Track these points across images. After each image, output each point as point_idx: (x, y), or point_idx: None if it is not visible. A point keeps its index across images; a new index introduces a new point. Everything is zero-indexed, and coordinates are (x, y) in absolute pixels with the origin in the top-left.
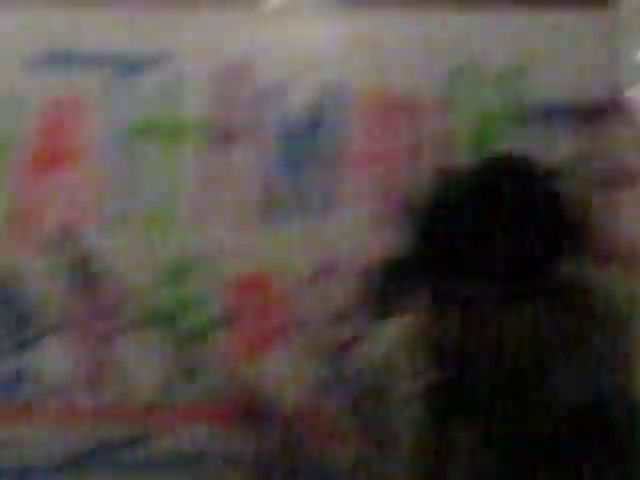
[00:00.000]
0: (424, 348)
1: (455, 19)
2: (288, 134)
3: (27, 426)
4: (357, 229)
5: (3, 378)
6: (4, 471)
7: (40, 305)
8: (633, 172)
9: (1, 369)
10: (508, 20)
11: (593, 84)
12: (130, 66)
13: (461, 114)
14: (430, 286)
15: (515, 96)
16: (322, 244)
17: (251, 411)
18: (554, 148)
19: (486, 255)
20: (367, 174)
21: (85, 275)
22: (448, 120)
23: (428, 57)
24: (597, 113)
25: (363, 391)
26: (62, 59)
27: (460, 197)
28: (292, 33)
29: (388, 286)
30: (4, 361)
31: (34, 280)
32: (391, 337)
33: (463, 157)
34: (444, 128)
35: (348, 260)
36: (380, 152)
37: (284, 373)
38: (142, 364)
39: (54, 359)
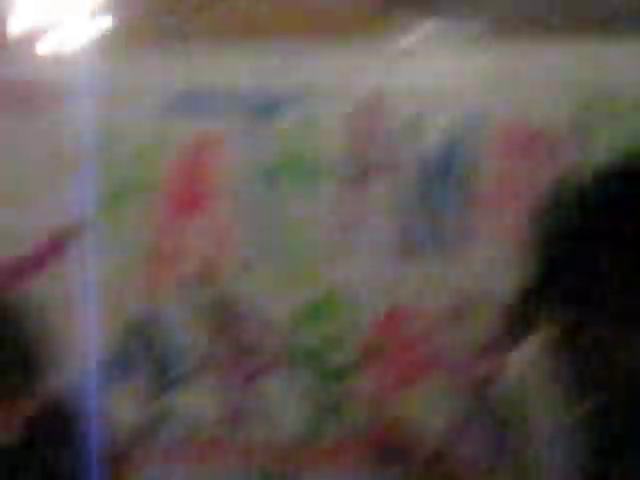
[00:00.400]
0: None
1: (593, 50)
2: (425, 169)
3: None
4: (494, 264)
5: (148, 419)
6: None
7: (183, 347)
8: None
9: (146, 410)
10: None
11: None
12: (267, 107)
13: (601, 145)
14: (561, 313)
15: None
16: (460, 279)
17: (395, 448)
18: None
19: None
20: (506, 208)
21: (226, 315)
22: (587, 152)
23: (565, 88)
24: None
25: (504, 424)
26: (193, 107)
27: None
28: (423, 70)
29: (521, 317)
30: (149, 403)
31: (176, 323)
32: (523, 360)
33: None
34: (584, 161)
35: (486, 295)
36: (517, 187)
37: (428, 408)
38: (286, 402)
39: (199, 400)
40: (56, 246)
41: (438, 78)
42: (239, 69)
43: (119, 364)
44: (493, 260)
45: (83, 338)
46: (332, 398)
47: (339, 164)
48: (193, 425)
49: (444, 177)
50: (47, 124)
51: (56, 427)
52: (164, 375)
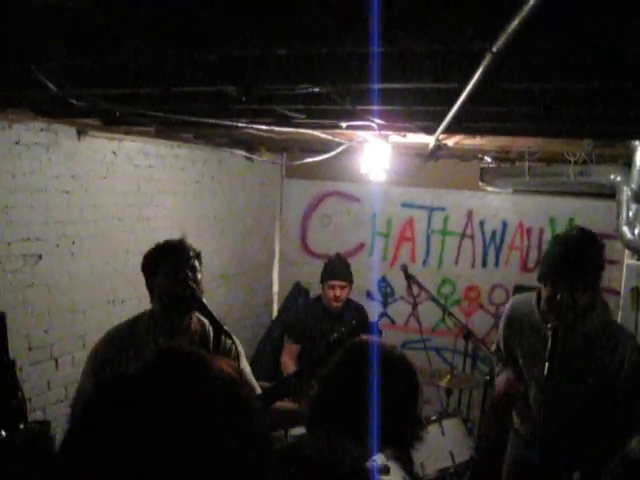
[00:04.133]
0: None
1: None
2: (487, 237)
3: None
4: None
5: None
6: None
7: None
8: None
9: None
10: None
11: None
12: (432, 210)
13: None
14: None
15: None
16: (494, 277)
17: None
18: None
19: None
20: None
21: None
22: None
23: (541, 212)
24: None
25: None
26: (410, 205)
27: None
28: (490, 201)
29: None
30: None
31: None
32: None
33: None
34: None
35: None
36: (521, 248)
37: None
38: None
39: None
40: (357, 250)
41: (492, 205)
42: (426, 196)
43: None
44: (509, 271)
45: None
46: None
47: (456, 231)
48: None
49: (494, 239)
50: (355, 209)
51: None
52: None
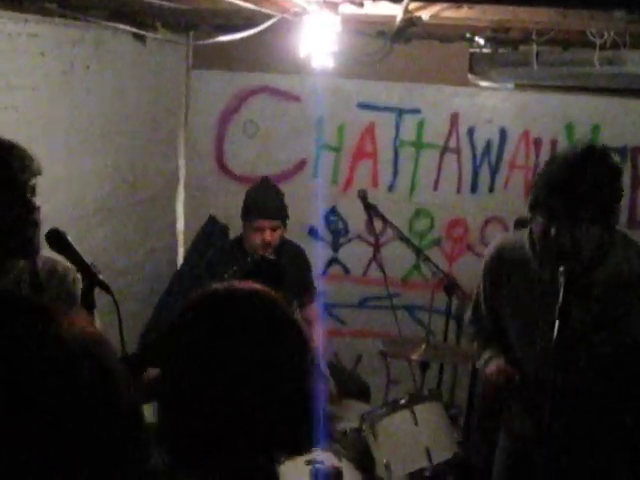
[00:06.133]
0: None
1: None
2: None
3: None
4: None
5: None
6: None
7: None
8: None
9: None
10: None
11: None
12: (401, 112)
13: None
14: None
15: None
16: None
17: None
18: None
19: None
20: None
21: None
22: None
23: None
24: None
25: None
26: (370, 105)
27: None
28: (483, 100)
29: None
30: None
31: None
32: None
33: None
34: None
35: None
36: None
37: None
38: None
39: None
40: (296, 169)
41: (487, 107)
42: (393, 93)
43: None
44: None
45: None
46: None
47: (435, 142)
48: None
49: (488, 154)
50: (292, 112)
51: None
52: None
